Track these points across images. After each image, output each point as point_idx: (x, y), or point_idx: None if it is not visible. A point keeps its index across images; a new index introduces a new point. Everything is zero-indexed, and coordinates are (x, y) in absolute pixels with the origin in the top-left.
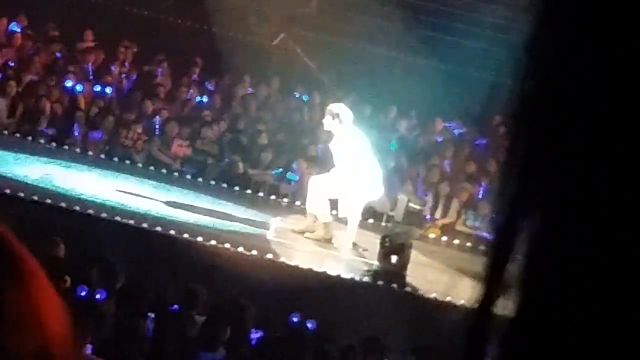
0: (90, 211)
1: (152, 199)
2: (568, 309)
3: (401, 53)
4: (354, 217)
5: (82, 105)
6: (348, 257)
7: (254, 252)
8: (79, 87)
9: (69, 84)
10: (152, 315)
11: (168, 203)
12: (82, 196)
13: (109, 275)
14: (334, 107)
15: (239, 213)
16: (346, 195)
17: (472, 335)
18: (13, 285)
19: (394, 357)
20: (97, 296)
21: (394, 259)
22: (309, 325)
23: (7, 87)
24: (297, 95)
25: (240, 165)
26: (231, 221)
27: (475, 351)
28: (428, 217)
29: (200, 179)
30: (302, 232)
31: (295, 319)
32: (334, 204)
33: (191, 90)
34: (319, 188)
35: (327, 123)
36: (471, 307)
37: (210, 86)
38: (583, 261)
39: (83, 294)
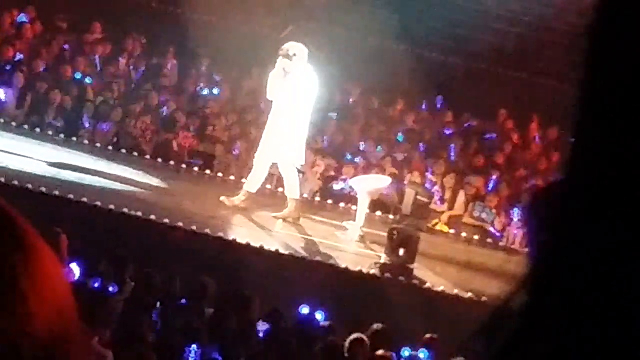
0: (98, 203)
1: (160, 190)
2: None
3: (408, 46)
4: (361, 209)
5: (91, 97)
6: (355, 250)
7: (262, 245)
8: (87, 79)
9: (77, 75)
10: (159, 306)
11: (176, 195)
12: (90, 187)
13: (117, 267)
14: (286, 47)
15: (246, 205)
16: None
17: (497, 330)
18: (20, 259)
19: (401, 349)
20: (110, 289)
21: (401, 251)
22: (317, 317)
23: (15, 78)
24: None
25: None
26: (239, 214)
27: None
28: (437, 202)
29: (207, 171)
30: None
31: (302, 311)
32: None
33: (199, 83)
34: (284, 168)
35: (285, 64)
36: (500, 305)
37: (218, 78)
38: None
39: (96, 285)
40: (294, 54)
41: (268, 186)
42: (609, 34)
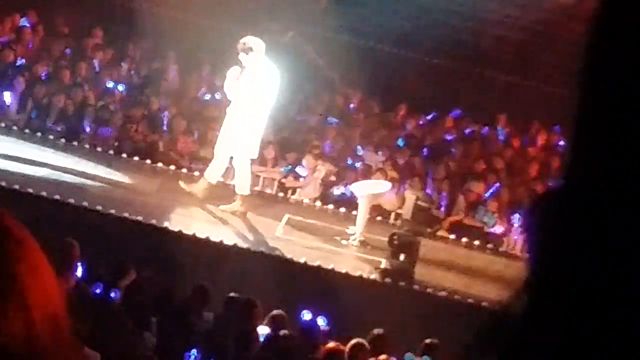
0: (99, 207)
1: (161, 195)
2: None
3: (410, 51)
4: (362, 214)
5: (92, 102)
6: (356, 255)
7: (263, 250)
8: (88, 84)
9: (78, 80)
10: (159, 311)
11: (177, 200)
12: (91, 192)
13: (117, 271)
14: (244, 40)
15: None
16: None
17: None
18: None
19: (402, 355)
20: (112, 294)
21: (402, 256)
22: (317, 322)
23: (16, 83)
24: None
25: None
26: (238, 219)
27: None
28: (439, 208)
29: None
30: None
31: (304, 317)
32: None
33: (201, 88)
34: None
35: (243, 58)
36: (500, 309)
37: (219, 83)
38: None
39: (97, 291)
40: (250, 48)
41: (268, 190)
42: (608, 40)
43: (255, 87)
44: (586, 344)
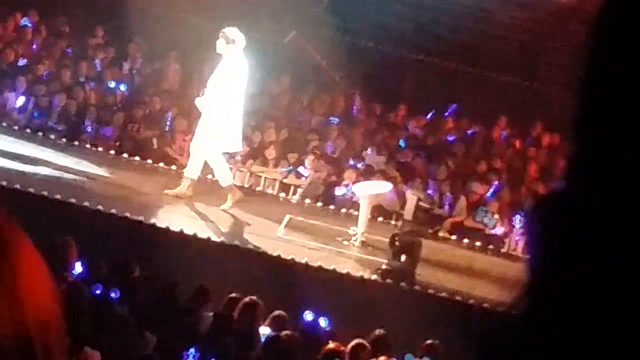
0: (100, 207)
1: (162, 195)
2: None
3: (410, 51)
4: (363, 214)
5: (93, 101)
6: (357, 256)
7: (264, 250)
8: (90, 84)
9: (80, 80)
10: (160, 312)
11: (177, 200)
12: (92, 192)
13: (121, 271)
14: (228, 30)
15: (247, 211)
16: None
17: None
18: None
19: (405, 356)
20: (112, 295)
21: (403, 257)
22: (318, 323)
23: (18, 82)
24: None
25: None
26: (239, 219)
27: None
28: (440, 209)
29: (209, 176)
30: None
31: (306, 318)
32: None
33: (202, 87)
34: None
35: (220, 46)
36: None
37: None
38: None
39: (97, 292)
40: (233, 40)
41: (270, 191)
42: (609, 41)
43: (229, 79)
44: (587, 345)
